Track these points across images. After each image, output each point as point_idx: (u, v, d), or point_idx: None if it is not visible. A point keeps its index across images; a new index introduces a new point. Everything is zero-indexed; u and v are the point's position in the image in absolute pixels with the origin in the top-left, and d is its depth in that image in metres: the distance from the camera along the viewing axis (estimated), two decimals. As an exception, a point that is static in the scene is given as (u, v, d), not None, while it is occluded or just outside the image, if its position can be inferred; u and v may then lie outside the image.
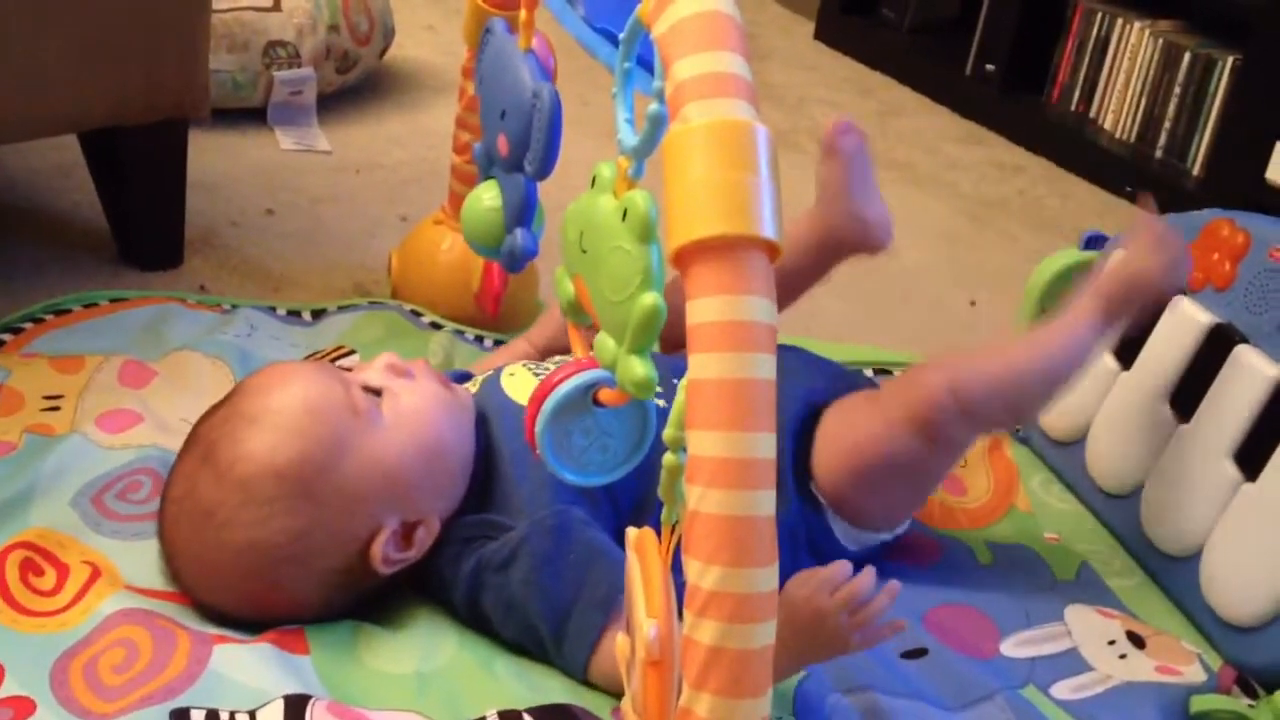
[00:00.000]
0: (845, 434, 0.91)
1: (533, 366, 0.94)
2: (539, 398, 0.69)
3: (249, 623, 0.80)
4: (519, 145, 0.87)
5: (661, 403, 0.71)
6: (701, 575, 0.53)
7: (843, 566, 0.77)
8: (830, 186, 1.04)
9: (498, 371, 0.94)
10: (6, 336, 1.05)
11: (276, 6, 1.63)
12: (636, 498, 0.85)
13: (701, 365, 0.54)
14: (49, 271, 1.22)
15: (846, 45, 2.41)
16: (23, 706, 0.72)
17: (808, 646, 0.76)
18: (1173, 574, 0.99)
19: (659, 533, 0.64)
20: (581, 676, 0.80)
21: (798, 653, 0.76)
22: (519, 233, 0.92)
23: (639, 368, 0.62)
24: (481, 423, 0.89)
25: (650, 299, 0.61)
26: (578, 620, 0.79)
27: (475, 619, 0.84)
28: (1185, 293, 1.02)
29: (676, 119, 0.56)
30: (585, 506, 0.84)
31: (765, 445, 0.54)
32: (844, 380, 1.00)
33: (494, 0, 1.04)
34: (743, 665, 0.53)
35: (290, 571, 0.80)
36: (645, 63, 0.65)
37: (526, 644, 0.82)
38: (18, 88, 1.09)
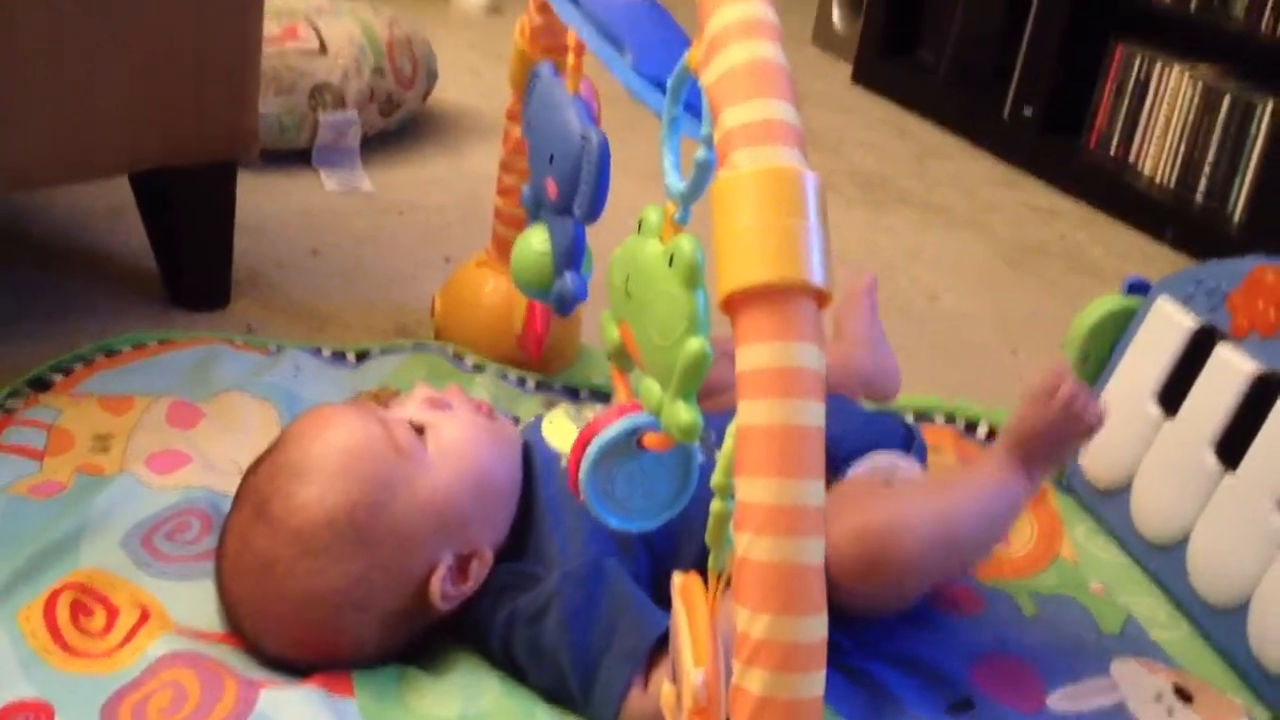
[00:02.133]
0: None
1: (572, 413, 0.94)
2: (583, 442, 0.69)
3: (305, 666, 0.80)
4: (568, 188, 0.88)
5: (700, 456, 0.72)
6: (750, 623, 0.53)
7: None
8: (859, 331, 1.14)
9: (538, 418, 0.94)
10: (58, 377, 1.06)
11: (323, 50, 1.66)
12: (672, 546, 0.85)
13: (750, 411, 0.54)
14: (99, 311, 1.24)
15: (884, 88, 2.42)
16: (71, 745, 0.72)
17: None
18: (1220, 626, 0.98)
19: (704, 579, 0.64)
20: None
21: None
22: (568, 276, 0.92)
23: (684, 413, 0.62)
24: (523, 466, 0.89)
25: (696, 344, 0.61)
26: (605, 672, 0.79)
27: (510, 668, 0.83)
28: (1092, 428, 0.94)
29: (725, 165, 0.56)
30: (619, 555, 0.84)
31: (814, 492, 0.54)
32: (873, 427, 0.99)
33: (541, 45, 1.06)
34: (792, 715, 0.53)
35: (352, 616, 0.80)
36: (692, 108, 0.66)
37: (559, 695, 0.82)
38: (70, 130, 1.11)
